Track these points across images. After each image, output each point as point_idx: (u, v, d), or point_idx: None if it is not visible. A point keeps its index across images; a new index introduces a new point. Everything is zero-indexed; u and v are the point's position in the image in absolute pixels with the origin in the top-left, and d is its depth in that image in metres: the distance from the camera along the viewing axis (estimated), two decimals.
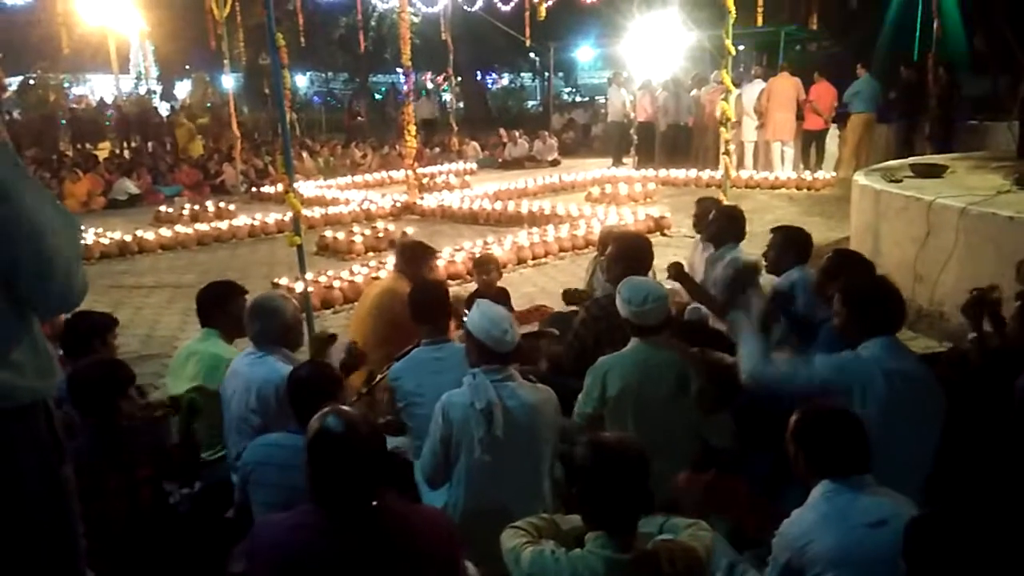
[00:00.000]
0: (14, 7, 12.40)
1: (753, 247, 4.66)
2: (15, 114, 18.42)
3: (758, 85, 12.71)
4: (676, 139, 14.41)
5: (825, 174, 11.98)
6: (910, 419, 2.61)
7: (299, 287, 6.27)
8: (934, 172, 6.51)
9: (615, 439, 2.13)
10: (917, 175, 6.49)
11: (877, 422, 2.20)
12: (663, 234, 8.90)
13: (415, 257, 4.56)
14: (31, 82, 21.38)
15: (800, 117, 12.51)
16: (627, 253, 4.03)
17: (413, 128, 11.10)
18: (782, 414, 2.50)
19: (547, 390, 2.97)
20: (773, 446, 2.69)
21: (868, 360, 2.68)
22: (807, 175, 11.92)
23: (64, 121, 19.35)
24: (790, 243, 4.19)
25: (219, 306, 3.70)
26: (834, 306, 3.00)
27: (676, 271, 4.45)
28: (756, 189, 11.77)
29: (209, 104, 20.12)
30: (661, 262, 5.55)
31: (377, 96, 27.55)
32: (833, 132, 12.70)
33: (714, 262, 4.65)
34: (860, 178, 6.81)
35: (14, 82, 20.29)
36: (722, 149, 8.08)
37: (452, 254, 7.54)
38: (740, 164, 12.49)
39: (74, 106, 21.60)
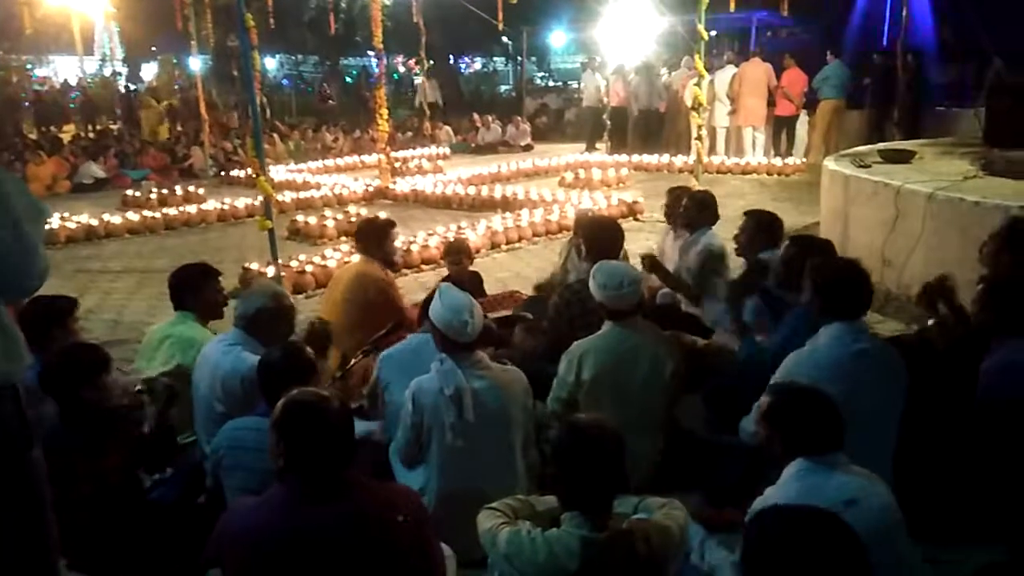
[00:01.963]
0: None
1: (725, 232, 4.70)
2: None
3: (729, 70, 12.77)
4: (648, 124, 14.44)
5: (795, 160, 12.08)
6: (871, 400, 2.65)
7: (271, 272, 6.24)
8: (902, 158, 6.60)
9: (590, 420, 2.14)
10: (886, 160, 6.58)
11: (838, 400, 2.23)
12: (636, 219, 8.93)
13: (375, 234, 4.54)
14: None
15: (771, 103, 12.60)
16: (597, 236, 4.05)
17: (385, 112, 11.00)
18: (752, 396, 2.54)
19: (516, 371, 2.98)
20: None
21: (831, 349, 2.74)
22: (778, 161, 12.02)
23: (28, 103, 18.95)
24: (761, 227, 4.23)
25: (194, 289, 3.66)
26: (804, 287, 3.04)
27: (650, 262, 4.49)
28: (728, 174, 11.85)
29: (177, 86, 19.79)
30: (634, 247, 5.58)
31: (348, 80, 27.26)
32: (803, 118, 12.81)
33: (687, 248, 4.68)
34: (830, 164, 6.89)
35: None
36: (694, 134, 8.13)
37: (425, 239, 7.51)
38: (712, 149, 12.56)
39: (38, 88, 21.15)
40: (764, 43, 14.97)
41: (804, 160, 12.09)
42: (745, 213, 4.41)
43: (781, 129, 12.82)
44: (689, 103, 11.32)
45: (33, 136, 15.89)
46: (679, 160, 12.40)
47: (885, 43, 12.50)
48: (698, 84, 8.27)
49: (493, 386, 2.84)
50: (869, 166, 6.34)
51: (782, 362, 2.84)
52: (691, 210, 4.76)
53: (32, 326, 3.29)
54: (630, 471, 2.12)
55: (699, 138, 8.49)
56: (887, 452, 2.71)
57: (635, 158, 13.17)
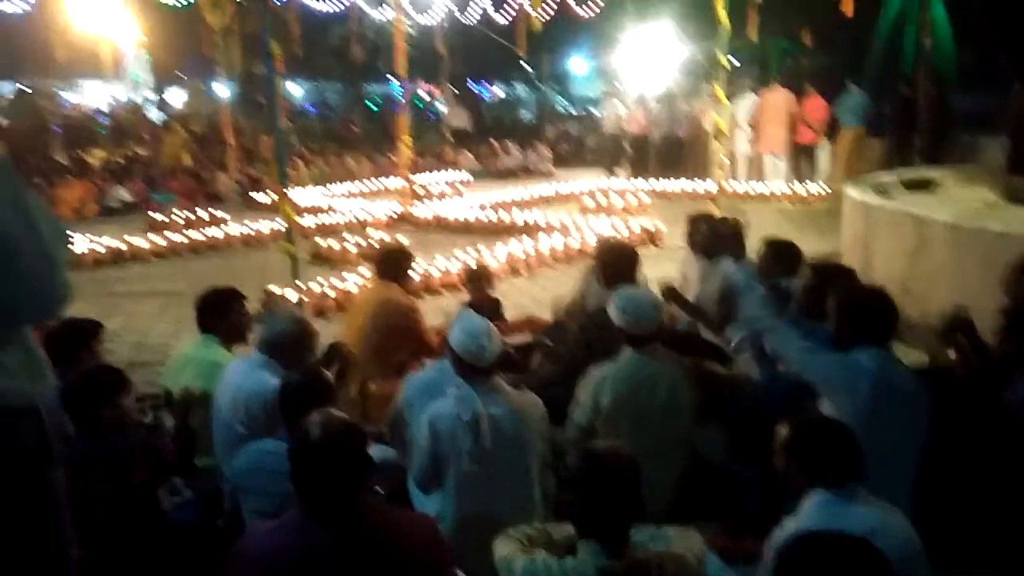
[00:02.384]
0: (9, 15, 12.38)
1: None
2: (7, 121, 18.38)
3: (750, 98, 12.79)
4: (669, 151, 14.47)
5: (817, 187, 12.05)
6: (893, 430, 2.63)
7: (292, 295, 6.30)
8: (924, 186, 6.57)
9: (607, 447, 2.14)
10: (908, 189, 6.54)
11: (859, 429, 2.22)
12: (655, 245, 8.92)
13: (395, 262, 4.60)
14: (24, 89, 21.34)
15: (792, 130, 12.59)
16: (612, 262, 4.08)
17: (407, 137, 11.12)
18: (772, 425, 2.52)
19: (533, 397, 2.99)
20: (763, 457, 2.71)
21: (857, 365, 2.71)
22: (799, 188, 11.99)
23: (57, 128, 19.32)
24: (779, 256, 4.22)
25: (220, 312, 3.71)
26: (828, 313, 3.03)
27: (669, 291, 4.49)
28: (748, 201, 11.82)
29: (203, 113, 20.12)
30: (653, 273, 5.58)
31: (373, 107, 27.59)
32: (825, 145, 12.78)
33: (708, 276, 4.68)
34: (851, 192, 6.86)
35: (7, 89, 20.27)
36: (714, 162, 8.14)
37: (445, 264, 7.55)
38: (732, 176, 12.55)
39: (68, 113, 21.57)
40: (785, 71, 14.99)
41: (825, 188, 12.04)
42: (763, 242, 4.41)
43: (802, 157, 12.80)
44: (709, 130, 11.35)
45: (63, 160, 16.19)
46: (699, 187, 12.40)
47: (906, 70, 12.47)
48: (718, 112, 8.29)
49: (510, 412, 2.84)
50: (891, 194, 6.31)
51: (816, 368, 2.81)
52: (710, 237, 4.76)
53: (57, 348, 3.35)
54: (647, 499, 2.11)
55: (720, 165, 8.50)
56: (908, 483, 2.68)
57: (655, 184, 13.18)
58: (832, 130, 12.46)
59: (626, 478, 2.02)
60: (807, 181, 12.50)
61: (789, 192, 11.91)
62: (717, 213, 7.12)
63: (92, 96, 24.31)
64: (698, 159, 13.66)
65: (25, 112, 19.38)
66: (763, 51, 14.99)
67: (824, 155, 12.84)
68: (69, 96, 23.76)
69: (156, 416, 3.12)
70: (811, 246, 6.44)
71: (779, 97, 12.50)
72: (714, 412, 3.58)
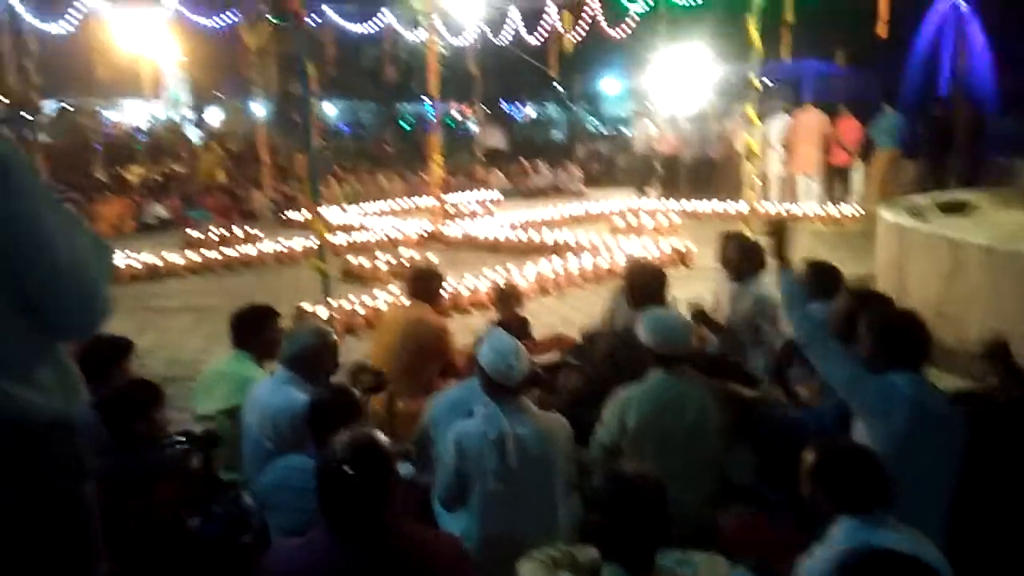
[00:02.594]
0: (54, 36, 12.74)
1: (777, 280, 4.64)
2: (50, 139, 18.82)
3: (783, 118, 12.73)
4: (700, 171, 14.43)
5: (850, 209, 11.92)
6: (927, 455, 2.58)
7: (323, 312, 6.36)
8: (960, 209, 6.47)
9: (633, 470, 2.13)
10: (943, 211, 6.46)
11: (892, 453, 2.18)
12: (686, 266, 8.88)
13: (427, 282, 4.63)
14: (66, 108, 21.89)
15: (826, 151, 12.50)
16: (640, 282, 4.07)
17: (439, 156, 11.23)
18: (801, 448, 2.49)
19: (560, 418, 2.98)
20: (792, 481, 2.67)
21: (894, 388, 2.67)
22: (832, 209, 11.88)
23: (98, 146, 19.77)
24: (819, 278, 4.17)
25: (254, 329, 3.76)
26: (860, 337, 2.99)
27: (698, 313, 4.46)
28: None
29: (240, 132, 20.47)
30: (684, 294, 5.55)
31: (405, 126, 27.89)
32: (859, 167, 12.66)
33: (738, 297, 4.64)
34: (885, 214, 6.78)
35: (51, 107, 20.79)
36: (746, 182, 8.10)
37: (474, 283, 7.58)
38: (764, 197, 12.47)
39: (108, 131, 22.06)
40: (818, 92, 14.92)
41: (859, 209, 11.91)
42: (803, 262, 4.36)
43: (836, 178, 12.69)
44: (741, 151, 11.31)
45: (102, 177, 16.55)
46: (731, 207, 12.33)
47: (943, 92, 12.34)
48: (749, 132, 8.25)
49: (537, 432, 2.84)
50: (926, 217, 6.23)
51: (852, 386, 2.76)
52: (732, 257, 4.71)
53: (89, 364, 3.41)
54: (674, 523, 2.10)
55: (751, 186, 8.45)
56: (941, 510, 2.63)
57: (686, 205, 13.14)
58: (867, 151, 12.35)
59: (651, 501, 2.01)
60: (841, 202, 12.39)
61: (822, 213, 11.80)
62: (749, 234, 7.08)
63: (132, 114, 24.85)
64: (730, 180, 13.59)
65: (67, 130, 19.88)
66: (797, 72, 14.93)
67: (858, 176, 12.72)
68: (110, 114, 24.29)
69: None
70: (845, 269, 6.34)
71: (813, 118, 12.43)
72: (742, 435, 3.54)
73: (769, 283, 4.60)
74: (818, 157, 12.52)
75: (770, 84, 11.97)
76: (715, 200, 13.05)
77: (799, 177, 12.70)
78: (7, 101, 16.44)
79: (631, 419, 3.18)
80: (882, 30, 9.85)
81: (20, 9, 11.90)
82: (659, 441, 3.14)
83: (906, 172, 12.19)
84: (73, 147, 18.25)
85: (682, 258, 9.05)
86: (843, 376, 2.74)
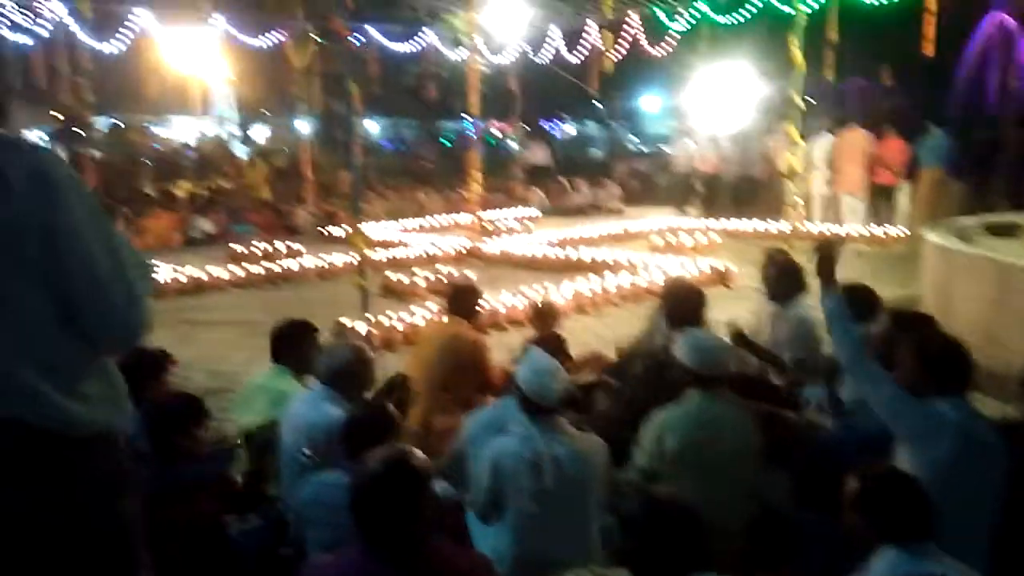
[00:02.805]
0: (107, 55, 13.13)
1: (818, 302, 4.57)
2: (101, 154, 19.33)
3: (826, 138, 12.59)
4: (742, 190, 14.32)
5: (896, 230, 11.72)
6: (972, 483, 2.52)
7: (361, 328, 6.43)
8: (1008, 231, 6.34)
9: (667, 494, 2.12)
10: (991, 233, 6.32)
11: (936, 481, 2.14)
12: (726, 286, 8.80)
13: (466, 298, 4.66)
14: (118, 124, 22.49)
15: (870, 171, 12.33)
16: (677, 302, 4.04)
17: (478, 173, 11.31)
18: (843, 473, 2.45)
19: (597, 440, 2.97)
20: (832, 506, 2.62)
21: (939, 415, 2.62)
22: (877, 230, 11.69)
23: (148, 161, 20.26)
24: (854, 302, 4.10)
25: (293, 344, 3.81)
26: (902, 362, 2.93)
27: (738, 336, 4.41)
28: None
29: (285, 148, 20.84)
30: (723, 315, 5.49)
31: (446, 143, 28.14)
32: (905, 187, 12.45)
33: (778, 319, 4.58)
34: (931, 236, 6.66)
35: (103, 123, 21.37)
36: (788, 202, 8.02)
37: (511, 300, 7.59)
38: (807, 217, 12.33)
39: (157, 147, 22.60)
40: (863, 111, 14.73)
41: (905, 231, 11.71)
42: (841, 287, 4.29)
43: (881, 198, 12.49)
44: (784, 170, 11.21)
45: (150, 192, 16.95)
46: (773, 226, 12.21)
47: (990, 111, 12.10)
48: (792, 152, 8.19)
49: (573, 453, 2.83)
50: (973, 239, 6.11)
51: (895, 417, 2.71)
52: (773, 278, 4.65)
53: (129, 376, 3.48)
54: (712, 547, 2.07)
55: (793, 205, 8.38)
56: (985, 540, 2.56)
57: (727, 224, 13.04)
58: (912, 171, 12.14)
59: (685, 527, 1.99)
60: (886, 223, 12.19)
61: (866, 234, 11.62)
62: (791, 254, 6.99)
63: (181, 131, 25.43)
64: (772, 199, 13.46)
65: (118, 145, 20.42)
66: (841, 91, 14.76)
67: (904, 197, 12.51)
68: (159, 131, 24.89)
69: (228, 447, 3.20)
70: (890, 291, 6.25)
71: (857, 137, 12.28)
72: (782, 459, 3.49)
73: (811, 305, 4.54)
74: (862, 177, 12.35)
75: (812, 102, 11.84)
76: (756, 219, 12.93)
77: (843, 197, 12.53)
78: (61, 117, 16.96)
79: (669, 442, 3.15)
80: (928, 49, 9.72)
81: (75, 28, 12.27)
82: (697, 464, 3.11)
83: (952, 193, 11.95)
84: (123, 162, 18.74)
85: (722, 278, 8.97)
86: (886, 400, 2.69)
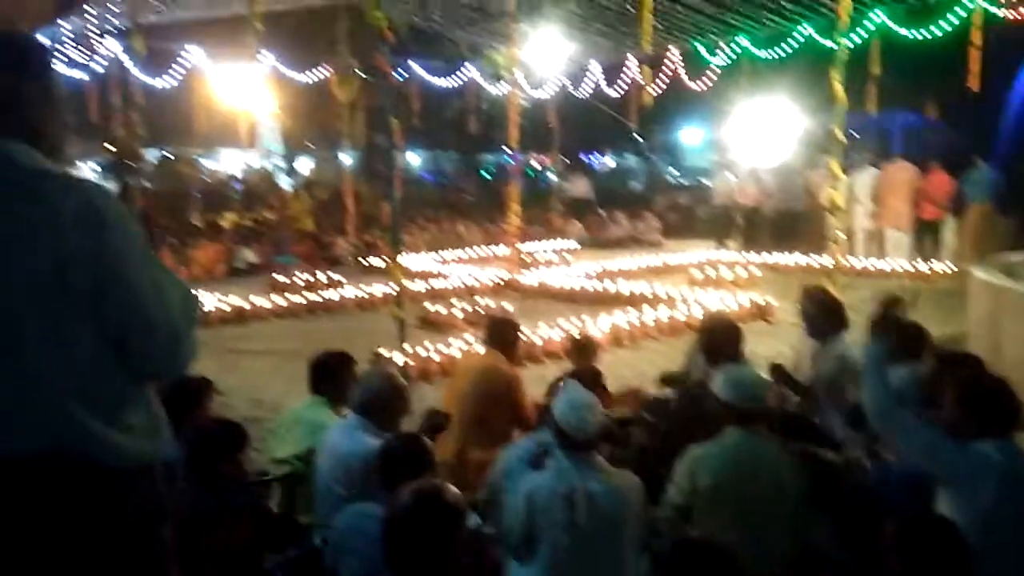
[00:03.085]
0: (159, 89, 13.57)
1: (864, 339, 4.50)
2: (151, 186, 19.87)
3: (870, 172, 12.46)
4: (783, 224, 14.20)
5: (941, 266, 11.50)
6: (1017, 526, 2.45)
7: (398, 359, 6.47)
8: None
9: (701, 537, 2.09)
10: None
11: (980, 525, 2.08)
12: (766, 321, 8.70)
13: (506, 332, 4.67)
14: (168, 156, 23.14)
15: (915, 205, 12.15)
16: (714, 337, 4.01)
17: (517, 206, 11.39)
18: (882, 515, 2.40)
19: (632, 476, 2.94)
20: (872, 548, 2.56)
21: (983, 457, 2.55)
22: (922, 266, 11.48)
23: (196, 193, 20.77)
24: (902, 340, 4.03)
25: (330, 375, 3.85)
26: (945, 402, 2.87)
27: (778, 372, 4.35)
28: (867, 278, 11.39)
29: (329, 180, 21.22)
30: (763, 350, 5.43)
31: (485, 175, 28.43)
32: (950, 222, 12.24)
33: (819, 356, 4.50)
34: (977, 272, 6.53)
35: (153, 156, 22.01)
36: (830, 236, 7.93)
37: (549, 332, 7.58)
38: (850, 252, 12.16)
39: (205, 179, 23.18)
40: (908, 145, 14.56)
41: (951, 266, 11.48)
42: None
43: (926, 233, 12.29)
44: (826, 204, 11.10)
45: (197, 223, 17.35)
46: (814, 261, 12.06)
47: None
48: (834, 186, 8.10)
49: (609, 490, 2.81)
50: (1021, 275, 5.97)
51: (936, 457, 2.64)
52: (813, 314, 4.58)
53: (172, 404, 3.54)
54: None
55: (835, 240, 8.27)
56: None
57: (768, 257, 12.92)
58: (958, 206, 11.94)
59: (717, 567, 1.96)
60: (931, 259, 11.97)
61: (911, 269, 11.41)
62: (833, 289, 6.89)
63: (228, 163, 26.06)
64: (814, 233, 13.32)
65: (167, 177, 20.99)
66: (885, 125, 14.62)
67: (949, 232, 12.28)
68: (208, 163, 25.53)
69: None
70: (935, 328, 6.10)
71: (902, 171, 12.14)
72: (821, 499, 3.42)
73: (852, 342, 4.46)
74: (908, 211, 12.18)
75: (855, 136, 11.74)
76: (797, 254, 12.79)
77: (888, 231, 12.35)
78: (113, 150, 17.48)
79: (703, 479, 3.11)
80: (973, 82, 9.59)
81: (129, 64, 12.71)
82: (732, 502, 3.06)
83: (999, 228, 11.70)
84: (172, 194, 19.23)
85: (762, 312, 8.86)
86: (922, 447, 2.64)
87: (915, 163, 12.28)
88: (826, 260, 9.80)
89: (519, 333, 4.75)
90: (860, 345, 4.43)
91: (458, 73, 16.17)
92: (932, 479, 2.71)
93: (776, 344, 7.10)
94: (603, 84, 15.14)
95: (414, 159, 29.92)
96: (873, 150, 13.62)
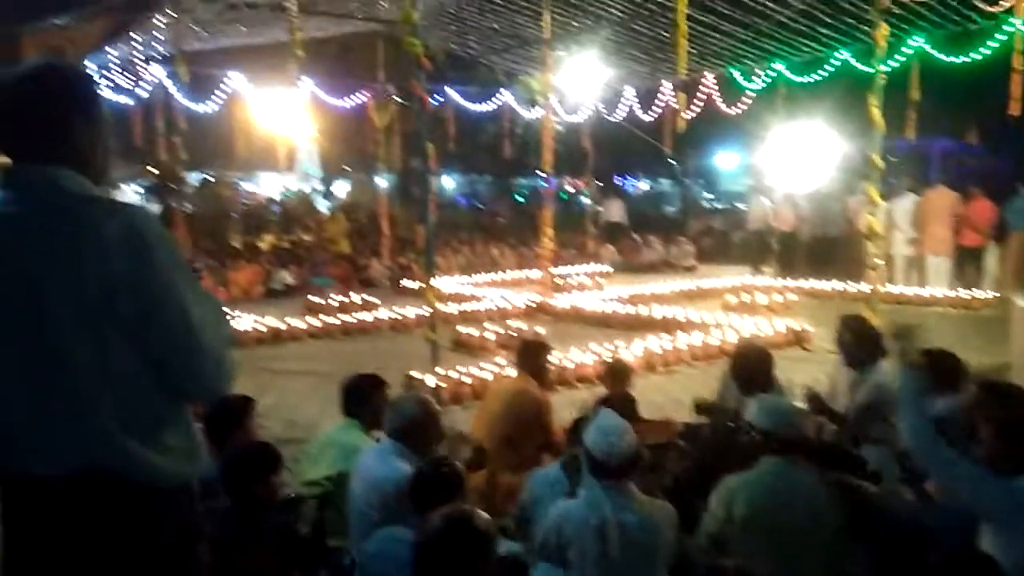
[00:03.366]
0: (201, 114, 13.89)
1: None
2: (192, 208, 20.27)
3: (909, 198, 12.29)
4: (819, 250, 14.03)
5: (983, 293, 11.27)
6: None
7: (431, 381, 6.50)
8: None
9: (736, 567, 2.06)
10: None
11: (1019, 565, 2.02)
12: (803, 348, 8.58)
13: (535, 355, 4.67)
14: (208, 179, 23.60)
15: (956, 232, 11.95)
16: (743, 364, 3.97)
17: (550, 230, 11.41)
18: (924, 551, 2.35)
19: (666, 506, 2.91)
20: None
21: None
22: (963, 293, 11.26)
23: (236, 215, 21.13)
24: (938, 371, 3.95)
25: (363, 399, 3.88)
26: (984, 436, 2.80)
27: (813, 401, 4.29)
28: (907, 305, 11.20)
29: (365, 203, 21.49)
30: (800, 377, 5.36)
31: (519, 199, 28.56)
32: (992, 249, 12.01)
33: (856, 386, 4.43)
34: (1020, 300, 6.39)
35: (195, 178, 22.47)
36: (868, 262, 7.82)
37: (581, 357, 7.55)
38: (889, 278, 11.97)
39: (245, 202, 23.59)
40: (948, 171, 14.36)
41: (993, 294, 11.25)
42: (923, 353, 4.15)
43: (967, 260, 12.07)
44: (864, 230, 10.97)
45: (236, 244, 17.64)
46: (852, 287, 11.89)
47: None
48: (872, 212, 8.00)
49: (641, 520, 2.78)
50: None
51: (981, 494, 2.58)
52: (850, 343, 4.51)
53: (216, 422, 3.60)
54: None
55: (873, 267, 8.15)
56: None
57: (805, 283, 12.76)
58: (1000, 233, 11.72)
59: None
60: (973, 286, 11.75)
61: (952, 296, 11.20)
62: (871, 317, 6.78)
63: (267, 186, 26.50)
64: (852, 259, 13.15)
65: (208, 199, 21.40)
66: (924, 150, 14.44)
67: (992, 259, 12.05)
68: (247, 186, 25.98)
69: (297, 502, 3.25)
70: (977, 358, 6.00)
71: (943, 197, 11.96)
72: (859, 533, 3.35)
73: (889, 371, 4.39)
74: (949, 238, 11.98)
75: (893, 161, 11.59)
76: (835, 279, 12.62)
77: (929, 258, 12.16)
78: (156, 172, 17.87)
79: (738, 509, 3.07)
80: (1014, 108, 9.44)
81: (172, 89, 13.04)
82: (768, 534, 3.02)
83: None
84: (213, 216, 19.59)
85: (799, 339, 8.75)
86: (964, 483, 2.57)
87: (955, 189, 12.09)
88: (864, 287, 9.68)
89: (549, 356, 4.75)
90: (891, 373, 4.37)
91: (493, 98, 16.34)
92: (974, 515, 2.65)
93: (813, 371, 6.98)
94: (637, 108, 15.17)
95: (449, 183, 30.19)
96: (912, 176, 13.43)
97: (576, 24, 12.52)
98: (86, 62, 13.36)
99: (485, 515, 2.18)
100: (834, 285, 12.38)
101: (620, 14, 11.85)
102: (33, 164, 1.80)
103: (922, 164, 15.15)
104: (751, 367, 4.07)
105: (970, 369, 4.11)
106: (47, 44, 13.61)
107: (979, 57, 10.49)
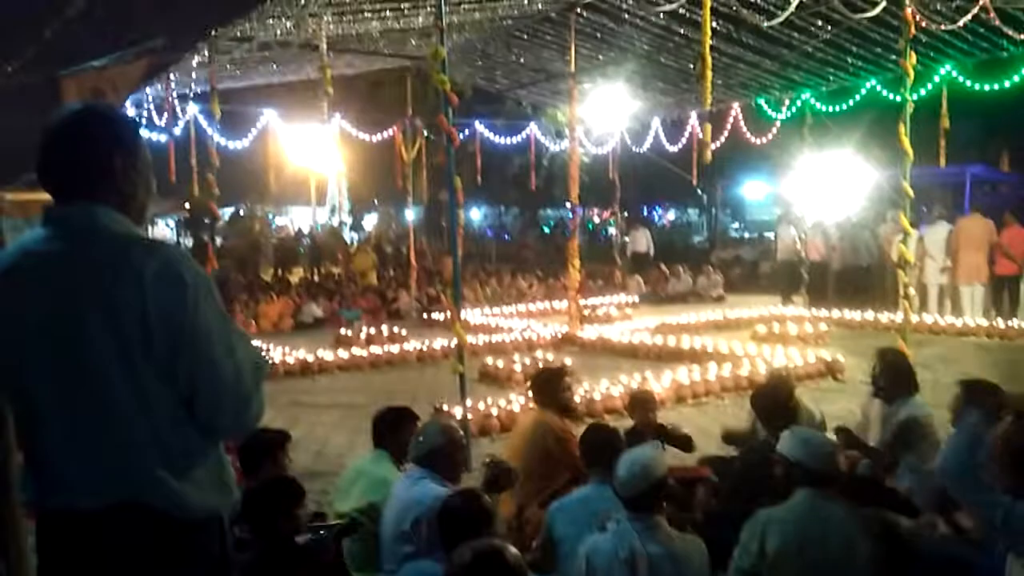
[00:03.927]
0: (234, 150, 14.16)
1: (937, 399, 4.36)
2: (225, 241, 20.60)
3: (942, 226, 12.14)
4: (850, 279, 13.88)
5: (1019, 322, 11.05)
6: None
7: (458, 413, 6.48)
8: None
9: None
10: None
11: None
12: (835, 379, 8.46)
13: (548, 384, 4.63)
14: (240, 213, 24.00)
15: (991, 260, 11.77)
16: (765, 399, 3.94)
17: (577, 261, 11.42)
18: None
19: (696, 540, 2.87)
20: None
21: None
22: (999, 323, 11.05)
23: (267, 249, 21.44)
24: (974, 399, 3.89)
25: (393, 430, 3.90)
26: (1000, 463, 2.75)
27: (844, 434, 4.24)
28: (941, 335, 11.01)
29: (393, 236, 21.72)
30: (832, 409, 5.29)
31: (546, 230, 28.66)
32: None
33: (889, 419, 4.37)
34: None
35: (226, 213, 22.86)
36: (901, 292, 7.72)
37: (608, 387, 7.51)
38: (922, 308, 11.79)
39: (276, 236, 23.94)
40: (981, 198, 14.17)
41: None
42: (958, 383, 4.09)
43: (1003, 289, 11.86)
44: (895, 259, 10.85)
45: (267, 278, 17.86)
46: (884, 317, 11.72)
47: None
48: (904, 241, 7.91)
49: (670, 555, 2.75)
50: None
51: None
52: (884, 376, 4.45)
53: (248, 457, 3.64)
54: None
55: (906, 296, 8.05)
56: None
57: (836, 313, 12.61)
58: None
59: None
60: (1008, 315, 11.53)
61: (987, 326, 10.99)
62: (904, 347, 6.68)
63: (298, 219, 26.88)
64: (883, 289, 12.99)
65: (240, 233, 21.74)
66: (956, 178, 14.29)
67: None
68: (278, 220, 26.37)
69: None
70: (1013, 387, 5.87)
71: (977, 225, 11.78)
72: (893, 566, 3.28)
73: (922, 403, 4.33)
74: (983, 266, 11.78)
75: (924, 190, 11.49)
76: (867, 310, 12.46)
77: (962, 287, 11.96)
78: (189, 207, 18.21)
79: (771, 543, 3.01)
80: None
81: (206, 126, 13.33)
82: (801, 567, 2.96)
83: None
84: (245, 249, 19.88)
85: (831, 370, 8.63)
86: (997, 511, 2.52)
87: (988, 216, 11.92)
88: (896, 316, 9.53)
89: (563, 381, 4.67)
90: (924, 405, 4.30)
91: (520, 131, 16.50)
92: (1007, 546, 2.59)
93: (845, 402, 6.90)
94: (664, 139, 15.22)
95: (476, 215, 30.39)
96: (945, 203, 13.29)
97: (601, 57, 12.63)
98: (127, 101, 13.72)
99: (515, 550, 2.16)
100: (866, 315, 12.22)
101: (646, 47, 11.94)
102: (75, 202, 1.86)
103: (955, 192, 14.98)
104: (769, 403, 4.02)
105: (1007, 399, 4.02)
106: (86, 86, 13.99)
107: (1008, 84, 10.41)
